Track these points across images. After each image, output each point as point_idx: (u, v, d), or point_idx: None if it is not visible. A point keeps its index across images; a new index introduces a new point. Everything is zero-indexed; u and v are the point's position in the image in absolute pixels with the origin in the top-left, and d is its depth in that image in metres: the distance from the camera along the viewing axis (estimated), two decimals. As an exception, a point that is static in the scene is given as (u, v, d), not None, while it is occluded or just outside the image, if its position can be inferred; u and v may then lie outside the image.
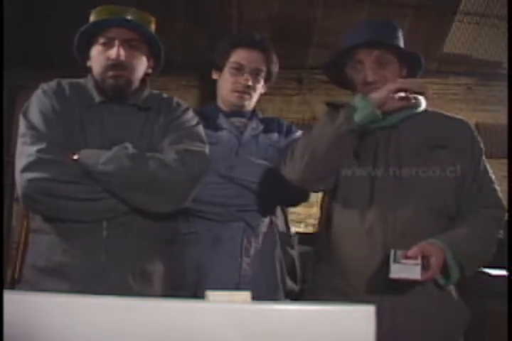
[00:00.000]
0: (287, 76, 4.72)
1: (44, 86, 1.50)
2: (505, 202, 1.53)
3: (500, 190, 1.53)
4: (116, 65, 1.46)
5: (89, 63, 1.54)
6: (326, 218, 1.59)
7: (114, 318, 0.68)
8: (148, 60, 1.56)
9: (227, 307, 0.71)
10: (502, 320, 1.57)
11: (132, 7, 1.53)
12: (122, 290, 1.32)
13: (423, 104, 1.57)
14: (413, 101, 1.45)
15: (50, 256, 1.39)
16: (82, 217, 1.37)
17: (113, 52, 1.45)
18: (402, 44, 1.57)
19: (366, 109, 1.39)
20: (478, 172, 1.51)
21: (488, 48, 4.71)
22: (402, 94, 1.39)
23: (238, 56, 1.78)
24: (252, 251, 1.68)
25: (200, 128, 1.58)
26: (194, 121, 1.58)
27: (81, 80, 1.56)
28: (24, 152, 1.38)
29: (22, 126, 1.43)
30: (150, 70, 1.58)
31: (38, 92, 1.49)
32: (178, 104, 1.60)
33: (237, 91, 1.78)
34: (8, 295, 0.68)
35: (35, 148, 1.36)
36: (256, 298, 0.78)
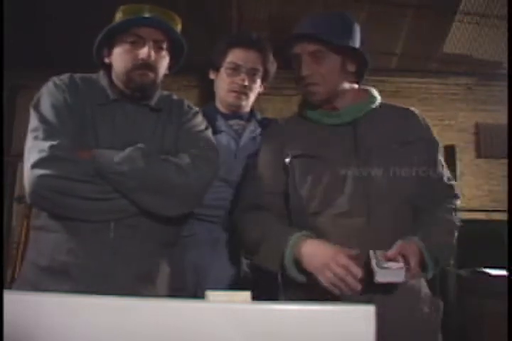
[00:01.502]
0: (287, 76, 4.70)
1: (56, 79, 1.47)
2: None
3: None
4: (144, 65, 1.44)
5: (107, 60, 1.51)
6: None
7: (114, 318, 0.68)
8: (169, 60, 1.54)
9: (227, 307, 0.71)
10: (502, 320, 1.57)
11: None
12: (126, 291, 1.31)
13: (378, 98, 1.54)
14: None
15: (54, 254, 1.36)
16: (90, 217, 1.35)
17: (144, 52, 1.43)
18: (351, 39, 1.46)
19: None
20: (437, 162, 1.50)
21: (488, 48, 4.72)
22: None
23: (234, 56, 1.77)
24: (251, 252, 1.68)
25: (210, 133, 1.57)
26: (204, 125, 1.56)
27: (93, 75, 1.54)
28: (36, 147, 1.34)
29: (34, 120, 1.40)
30: (167, 71, 1.55)
31: (50, 85, 1.46)
32: (190, 107, 1.58)
33: (234, 92, 1.78)
34: (8, 295, 0.68)
35: (47, 143, 1.32)
36: (256, 298, 0.78)
